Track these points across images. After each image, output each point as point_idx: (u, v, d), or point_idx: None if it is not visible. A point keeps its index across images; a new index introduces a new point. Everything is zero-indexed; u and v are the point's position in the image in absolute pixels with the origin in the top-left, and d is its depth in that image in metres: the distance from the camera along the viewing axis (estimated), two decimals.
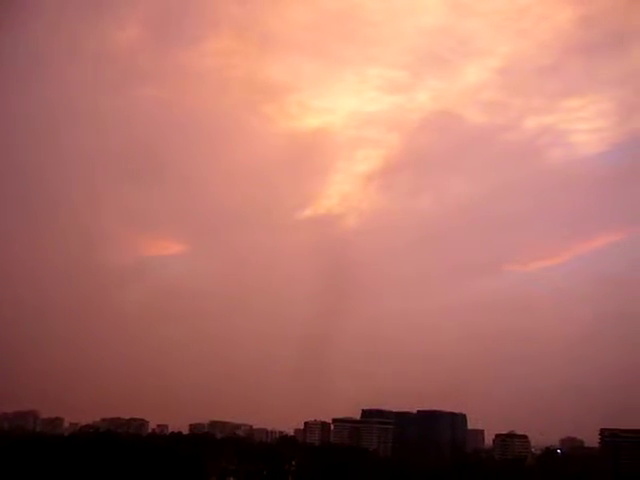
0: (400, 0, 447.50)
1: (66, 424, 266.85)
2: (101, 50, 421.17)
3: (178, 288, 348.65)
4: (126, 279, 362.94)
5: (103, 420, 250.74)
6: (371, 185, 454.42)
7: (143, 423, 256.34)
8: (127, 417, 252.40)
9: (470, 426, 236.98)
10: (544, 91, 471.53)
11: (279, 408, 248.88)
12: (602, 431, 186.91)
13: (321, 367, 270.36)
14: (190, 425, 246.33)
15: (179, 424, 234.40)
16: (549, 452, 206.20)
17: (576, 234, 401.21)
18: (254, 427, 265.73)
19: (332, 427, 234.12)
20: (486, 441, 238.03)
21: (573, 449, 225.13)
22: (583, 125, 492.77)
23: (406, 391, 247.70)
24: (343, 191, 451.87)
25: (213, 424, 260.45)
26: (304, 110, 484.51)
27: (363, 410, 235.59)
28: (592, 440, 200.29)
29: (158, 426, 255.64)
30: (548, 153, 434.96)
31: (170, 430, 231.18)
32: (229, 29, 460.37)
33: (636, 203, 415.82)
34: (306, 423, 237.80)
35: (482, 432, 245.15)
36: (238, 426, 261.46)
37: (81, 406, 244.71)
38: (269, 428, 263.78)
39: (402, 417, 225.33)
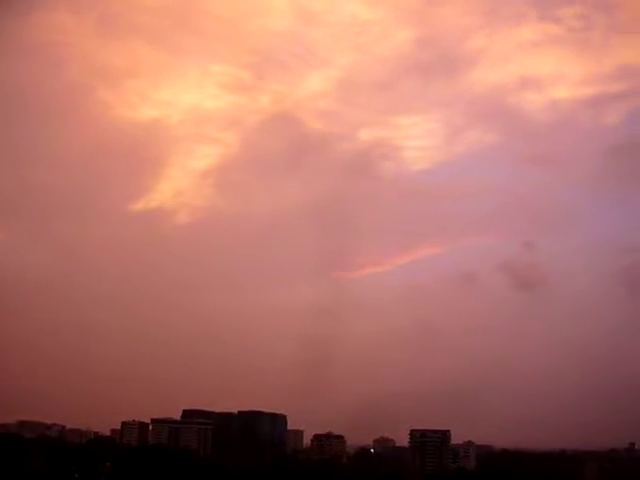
0: None
1: None
2: None
3: None
4: None
5: None
6: (206, 182, 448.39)
7: None
8: None
9: (290, 427, 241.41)
10: (379, 106, 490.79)
11: (94, 408, 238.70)
12: (412, 432, 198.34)
13: (141, 365, 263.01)
14: None
15: None
16: (363, 451, 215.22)
17: (400, 244, 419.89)
18: (67, 427, 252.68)
19: (150, 427, 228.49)
20: (305, 441, 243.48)
21: (385, 448, 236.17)
22: (413, 142, 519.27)
23: (228, 391, 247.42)
24: (177, 186, 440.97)
25: (22, 424, 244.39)
26: (142, 99, 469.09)
27: (184, 410, 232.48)
28: (403, 440, 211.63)
29: None
30: (380, 166, 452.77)
31: None
32: (65, 3, 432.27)
33: (454, 220, 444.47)
34: (123, 423, 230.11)
35: (302, 432, 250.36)
36: (49, 426, 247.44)
37: None
38: (83, 428, 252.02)
39: (223, 417, 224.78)
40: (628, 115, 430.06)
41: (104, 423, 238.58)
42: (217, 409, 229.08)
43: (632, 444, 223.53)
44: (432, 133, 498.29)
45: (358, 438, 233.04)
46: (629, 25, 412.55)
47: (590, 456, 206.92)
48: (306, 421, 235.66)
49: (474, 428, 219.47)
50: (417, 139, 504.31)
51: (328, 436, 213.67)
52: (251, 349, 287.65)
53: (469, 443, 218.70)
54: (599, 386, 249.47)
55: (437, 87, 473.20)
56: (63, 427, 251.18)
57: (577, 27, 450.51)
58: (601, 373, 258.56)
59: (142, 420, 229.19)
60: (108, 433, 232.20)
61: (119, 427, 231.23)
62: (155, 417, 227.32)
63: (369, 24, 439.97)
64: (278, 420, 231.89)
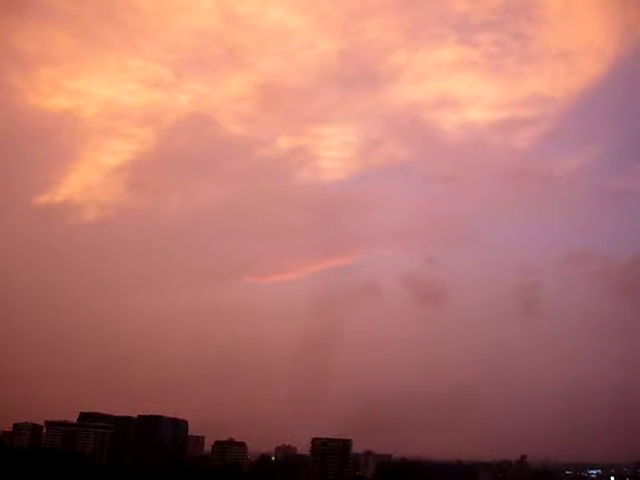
0: None
1: None
2: None
3: None
4: None
5: None
6: (118, 179, 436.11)
7: None
8: None
9: (191, 432, 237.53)
10: (298, 114, 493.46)
11: None
12: (314, 440, 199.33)
13: (35, 367, 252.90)
14: None
15: None
16: (264, 459, 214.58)
17: (311, 253, 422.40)
18: None
19: (45, 430, 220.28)
20: (206, 448, 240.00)
21: (287, 456, 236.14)
22: (329, 152, 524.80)
23: (128, 395, 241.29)
24: (86, 181, 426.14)
25: None
26: (55, 88, 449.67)
27: (81, 413, 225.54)
28: (304, 448, 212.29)
29: None
30: (297, 174, 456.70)
31: None
32: None
33: (364, 231, 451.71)
34: (15, 425, 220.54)
35: (202, 439, 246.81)
36: None
37: None
38: None
39: (122, 421, 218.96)
40: (536, 141, 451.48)
41: None
42: (116, 412, 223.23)
43: (524, 456, 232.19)
44: (349, 145, 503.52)
45: (260, 445, 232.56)
46: (541, 55, 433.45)
47: (484, 467, 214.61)
48: (207, 427, 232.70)
49: (375, 438, 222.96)
50: (334, 150, 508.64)
51: (229, 443, 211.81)
52: (154, 352, 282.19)
53: (369, 452, 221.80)
54: (493, 399, 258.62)
55: (356, 100, 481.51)
56: None
57: (493, 53, 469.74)
58: (496, 387, 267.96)
59: (36, 422, 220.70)
60: None
61: (10, 429, 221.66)
62: (50, 419, 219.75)
63: (294, 32, 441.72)
64: (179, 425, 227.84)
